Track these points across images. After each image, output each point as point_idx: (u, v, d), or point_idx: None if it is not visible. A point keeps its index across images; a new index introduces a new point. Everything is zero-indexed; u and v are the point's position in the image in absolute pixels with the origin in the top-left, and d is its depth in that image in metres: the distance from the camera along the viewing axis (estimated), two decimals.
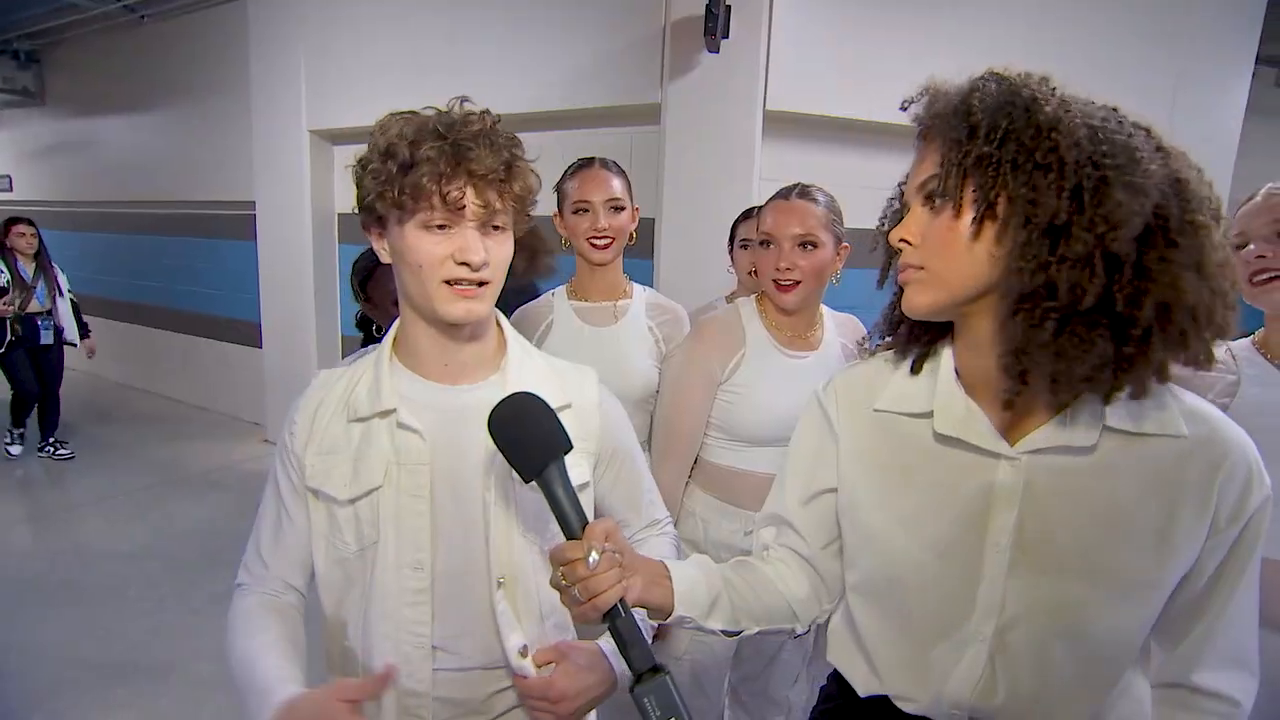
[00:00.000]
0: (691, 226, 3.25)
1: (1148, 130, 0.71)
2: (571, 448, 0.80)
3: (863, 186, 3.58)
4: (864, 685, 0.86)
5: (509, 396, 0.81)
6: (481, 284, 0.88)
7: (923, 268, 0.74)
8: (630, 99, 3.39)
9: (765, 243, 1.46)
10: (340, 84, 4.34)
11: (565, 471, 0.79)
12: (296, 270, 4.71)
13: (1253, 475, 0.72)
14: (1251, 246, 1.25)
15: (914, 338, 0.84)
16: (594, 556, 0.74)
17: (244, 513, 3.77)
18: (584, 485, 0.98)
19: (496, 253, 0.89)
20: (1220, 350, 1.08)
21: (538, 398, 0.82)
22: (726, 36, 2.95)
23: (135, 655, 2.60)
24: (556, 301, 1.67)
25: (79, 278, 5.03)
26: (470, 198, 0.85)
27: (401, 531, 0.91)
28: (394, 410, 0.92)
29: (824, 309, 1.57)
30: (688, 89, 3.20)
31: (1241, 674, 0.78)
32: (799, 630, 0.93)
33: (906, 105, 0.77)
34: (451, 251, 0.86)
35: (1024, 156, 0.66)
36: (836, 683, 0.93)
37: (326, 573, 0.96)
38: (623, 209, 1.61)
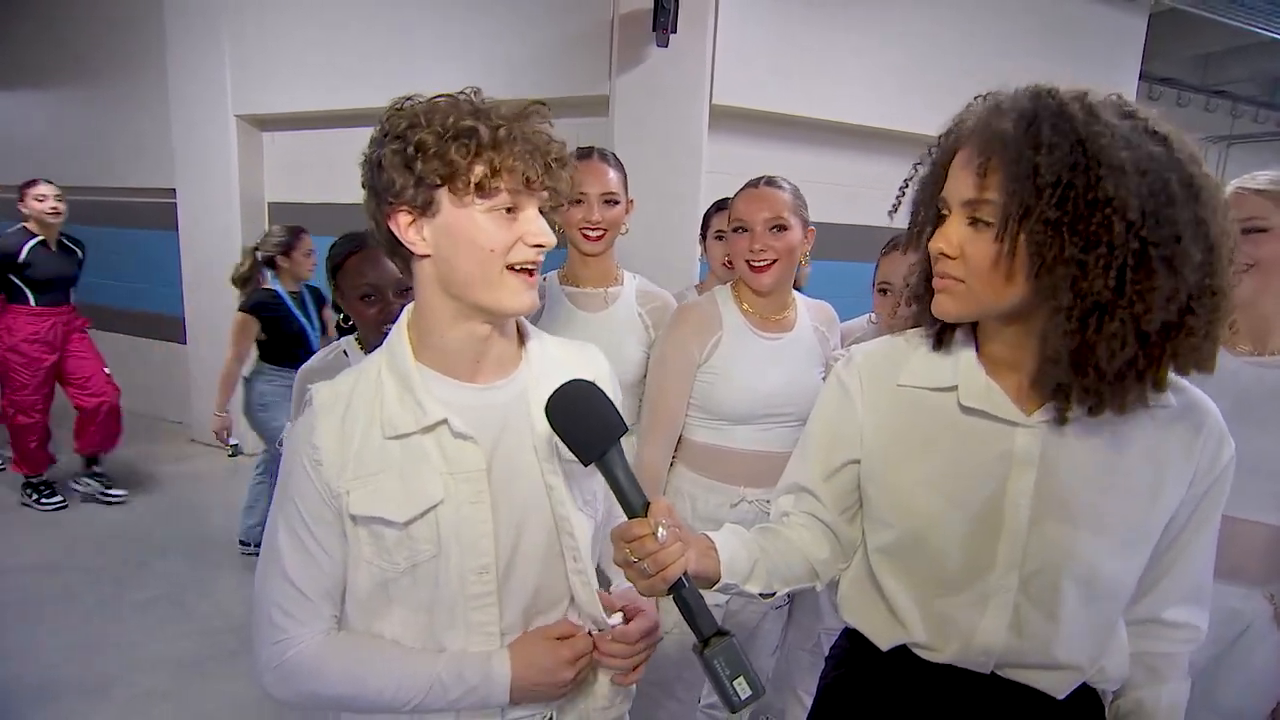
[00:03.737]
0: (639, 218, 3.23)
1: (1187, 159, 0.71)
2: (627, 430, 0.80)
3: (804, 180, 3.68)
4: (888, 638, 0.89)
5: (565, 384, 0.80)
6: (533, 273, 0.85)
7: (963, 281, 0.78)
8: (578, 90, 3.35)
9: (738, 229, 1.52)
10: (269, 68, 4.09)
11: (623, 453, 0.80)
12: (224, 262, 4.35)
13: (1224, 437, 0.82)
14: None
15: (939, 322, 0.88)
16: (662, 532, 0.77)
17: (170, 517, 3.58)
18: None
19: (552, 237, 0.85)
20: None
21: (592, 384, 0.81)
22: (675, 31, 2.95)
23: (62, 673, 2.37)
24: (549, 286, 1.67)
25: None
26: (545, 181, 0.82)
27: (463, 541, 0.86)
28: (444, 421, 0.86)
29: (796, 295, 1.63)
30: (635, 82, 3.19)
31: (1201, 607, 0.88)
32: (820, 586, 0.98)
33: (978, 98, 0.78)
34: (520, 235, 0.82)
35: (1082, 224, 0.68)
36: (850, 640, 0.96)
37: (366, 596, 0.88)
38: (617, 202, 1.62)
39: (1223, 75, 5.98)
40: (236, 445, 4.57)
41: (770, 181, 1.54)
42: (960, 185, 0.77)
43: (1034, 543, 0.80)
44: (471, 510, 0.86)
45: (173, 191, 4.54)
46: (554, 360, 0.96)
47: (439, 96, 0.83)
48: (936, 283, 0.81)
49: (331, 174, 4.23)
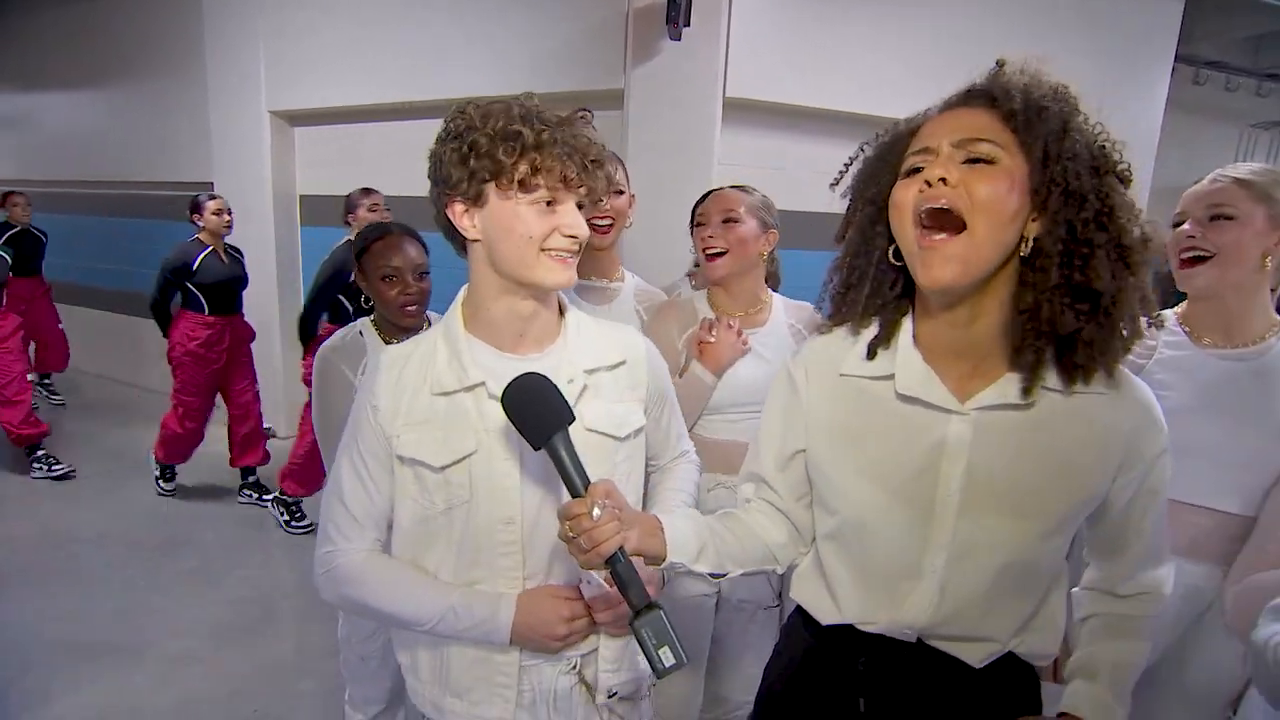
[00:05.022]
0: (654, 209, 3.27)
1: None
2: (574, 420, 0.88)
3: (817, 172, 3.68)
4: (827, 616, 0.95)
5: (519, 377, 0.89)
6: (574, 254, 0.97)
7: (961, 232, 0.77)
8: (594, 84, 3.41)
9: (699, 224, 1.65)
10: (301, 65, 4.25)
11: (569, 440, 0.87)
12: (258, 254, 4.59)
13: (1156, 426, 0.85)
14: (1186, 226, 1.31)
15: (884, 309, 0.92)
16: (596, 511, 0.83)
17: (205, 495, 3.78)
18: (640, 429, 1.09)
19: (586, 229, 0.97)
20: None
21: (545, 378, 0.89)
22: (688, 25, 2.99)
23: (104, 635, 2.57)
24: None
25: None
26: (581, 179, 0.94)
27: (493, 492, 0.99)
28: (482, 383, 0.98)
29: (774, 295, 1.69)
30: (650, 76, 3.24)
31: (1161, 567, 0.93)
32: (779, 570, 1.03)
33: (999, 65, 0.83)
34: (556, 225, 0.94)
35: (1097, 191, 0.76)
36: (799, 615, 1.02)
37: (410, 528, 1.03)
38: (621, 191, 1.69)
39: (1276, 58, 5.74)
40: (270, 429, 4.80)
41: (736, 186, 1.67)
42: (954, 127, 0.80)
43: (962, 527, 0.84)
44: (502, 464, 0.99)
45: (210, 185, 4.72)
46: (590, 339, 1.06)
47: (496, 102, 0.95)
48: (926, 247, 0.79)
49: (360, 167, 4.38)
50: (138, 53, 5.23)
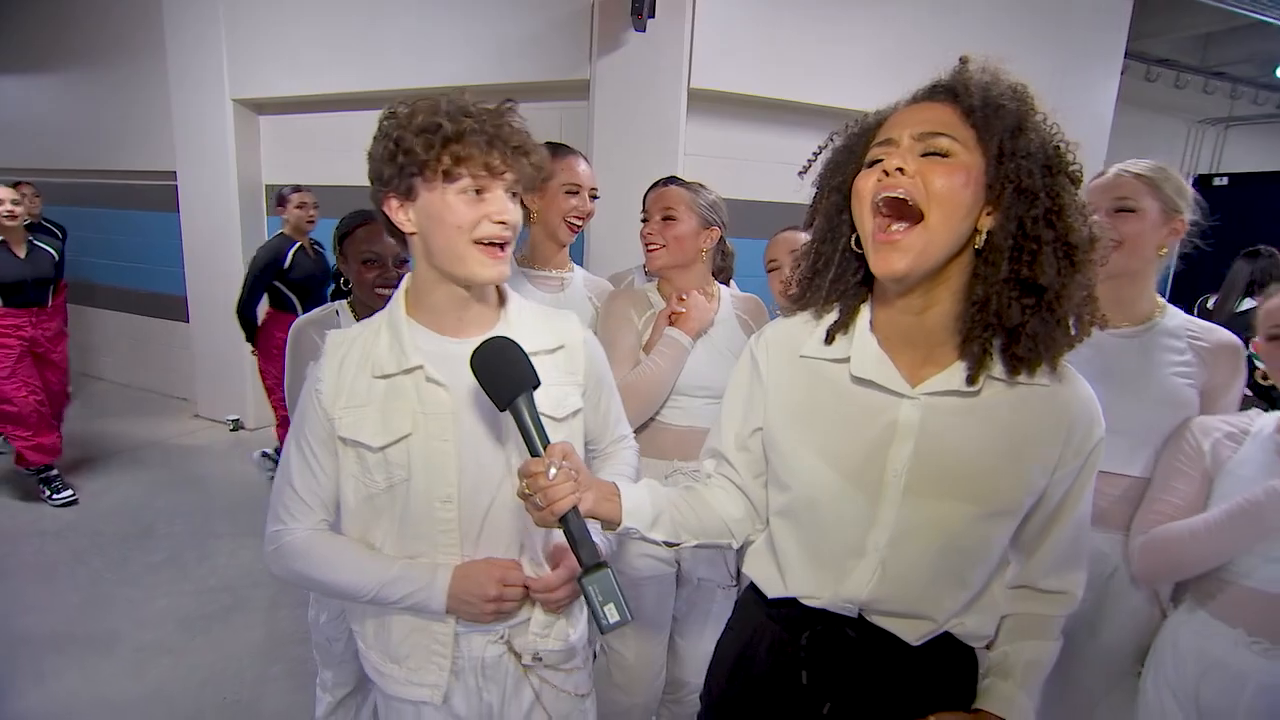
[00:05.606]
0: (619, 199, 3.31)
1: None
2: (539, 384, 0.92)
3: (778, 162, 3.77)
4: (775, 590, 0.97)
5: (488, 340, 0.92)
6: (504, 246, 0.99)
7: (920, 218, 0.79)
8: (560, 75, 3.43)
9: (644, 219, 1.71)
10: (265, 53, 4.19)
11: (533, 402, 0.91)
12: (224, 242, 4.55)
13: (1094, 421, 0.87)
14: (1094, 216, 1.42)
15: (845, 296, 0.94)
16: (553, 470, 0.86)
17: (176, 488, 3.74)
18: (577, 410, 1.11)
19: (516, 216, 0.99)
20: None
21: (512, 342, 0.93)
22: (652, 16, 3.02)
23: (71, 627, 2.55)
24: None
25: None
26: (505, 166, 0.96)
27: (430, 471, 1.02)
28: (420, 366, 1.01)
29: (721, 287, 1.74)
30: (615, 66, 3.26)
31: (1077, 571, 0.96)
32: (734, 545, 1.05)
33: (962, 62, 0.85)
34: (486, 213, 0.96)
35: (1048, 189, 0.79)
36: (751, 590, 1.05)
37: (356, 506, 1.06)
38: (596, 196, 1.76)
39: (1222, 56, 5.90)
40: (237, 420, 4.76)
41: (672, 180, 1.72)
42: (916, 120, 0.82)
43: (906, 507, 0.86)
44: (439, 445, 1.01)
45: (173, 174, 4.66)
46: (531, 322, 1.09)
47: (424, 99, 0.97)
48: (880, 239, 0.82)
49: (326, 156, 4.34)
50: (96, 39, 5.09)
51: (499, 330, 1.05)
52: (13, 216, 3.35)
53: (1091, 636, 1.44)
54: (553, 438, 1.04)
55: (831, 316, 0.94)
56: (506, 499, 1.05)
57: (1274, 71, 5.72)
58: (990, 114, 0.79)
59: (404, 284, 1.08)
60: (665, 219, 1.64)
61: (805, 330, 0.96)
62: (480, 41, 3.59)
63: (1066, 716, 1.53)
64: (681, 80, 3.27)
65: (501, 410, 0.92)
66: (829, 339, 0.93)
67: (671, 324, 1.59)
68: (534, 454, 0.90)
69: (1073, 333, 0.84)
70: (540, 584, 1.06)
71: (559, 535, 1.09)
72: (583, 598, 0.90)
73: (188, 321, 4.89)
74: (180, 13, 4.37)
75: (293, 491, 1.06)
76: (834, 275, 0.93)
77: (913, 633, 0.90)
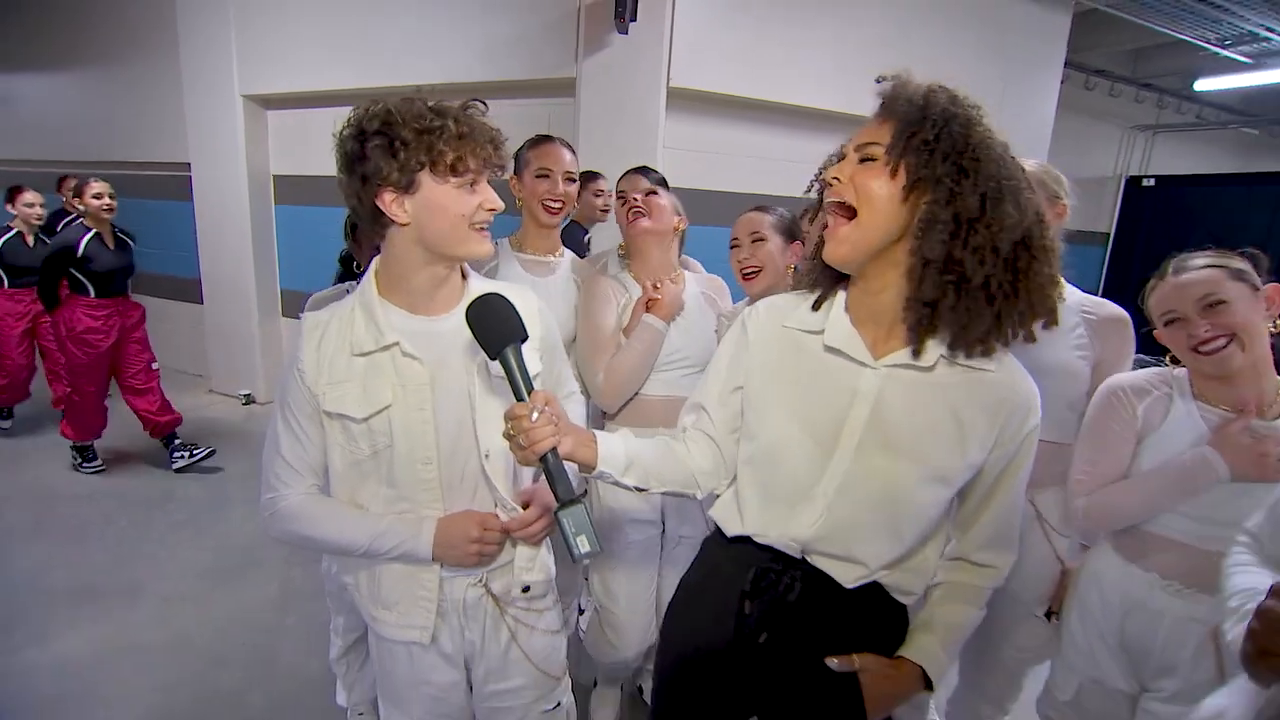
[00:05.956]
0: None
1: (1023, 169, 0.87)
2: (528, 337, 0.96)
3: (750, 156, 3.79)
4: (732, 528, 1.02)
5: (484, 295, 0.95)
6: (486, 229, 1.03)
7: (855, 215, 0.86)
8: (548, 73, 3.41)
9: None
10: (272, 52, 4.11)
11: (520, 353, 0.94)
12: (235, 230, 4.49)
13: (1029, 409, 0.91)
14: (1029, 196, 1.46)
15: (823, 282, 0.99)
16: (535, 414, 0.90)
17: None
18: (537, 374, 1.12)
19: (501, 203, 1.03)
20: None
21: (506, 299, 0.96)
22: (634, 19, 3.01)
23: (101, 580, 2.55)
24: (500, 249, 1.75)
25: None
26: (495, 159, 1.00)
27: (411, 437, 1.04)
28: (397, 343, 1.02)
29: (685, 271, 1.73)
30: (599, 66, 3.25)
31: (1006, 551, 1.00)
32: (699, 496, 1.07)
33: (881, 79, 0.89)
34: (480, 202, 1.00)
35: (954, 155, 0.81)
36: (715, 532, 1.09)
37: (344, 471, 1.08)
38: (574, 179, 1.73)
39: (1150, 69, 6.00)
40: (249, 394, 4.73)
41: (642, 170, 1.80)
42: (858, 138, 0.89)
43: (857, 463, 0.90)
44: (417, 414, 1.03)
45: (188, 166, 4.58)
46: None
47: (392, 100, 0.97)
48: (828, 234, 0.89)
49: (328, 148, 4.29)
50: (113, 37, 4.98)
51: (462, 305, 1.06)
52: (110, 210, 3.24)
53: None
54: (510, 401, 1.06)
55: (816, 295, 0.99)
56: (479, 456, 1.07)
57: (1191, 85, 5.83)
58: (901, 118, 0.84)
59: (373, 269, 1.07)
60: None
61: (791, 305, 1.01)
62: (474, 41, 3.55)
63: (979, 651, 1.60)
64: (661, 79, 3.27)
65: (492, 359, 0.94)
66: (815, 306, 0.98)
67: (648, 310, 1.59)
68: (519, 399, 0.92)
69: (1003, 318, 0.86)
70: (518, 522, 1.09)
71: (529, 483, 1.14)
72: (558, 531, 0.92)
73: (201, 303, 4.83)
74: (193, 15, 4.27)
75: (283, 461, 1.06)
76: (821, 265, 0.98)
77: (847, 575, 0.94)
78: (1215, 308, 1.13)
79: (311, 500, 1.08)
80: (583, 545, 0.90)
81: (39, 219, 3.74)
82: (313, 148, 4.31)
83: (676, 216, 1.68)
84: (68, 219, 4.25)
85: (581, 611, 2.35)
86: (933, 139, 0.82)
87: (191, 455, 3.53)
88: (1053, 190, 1.42)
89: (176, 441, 3.56)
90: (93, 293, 3.28)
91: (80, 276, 3.25)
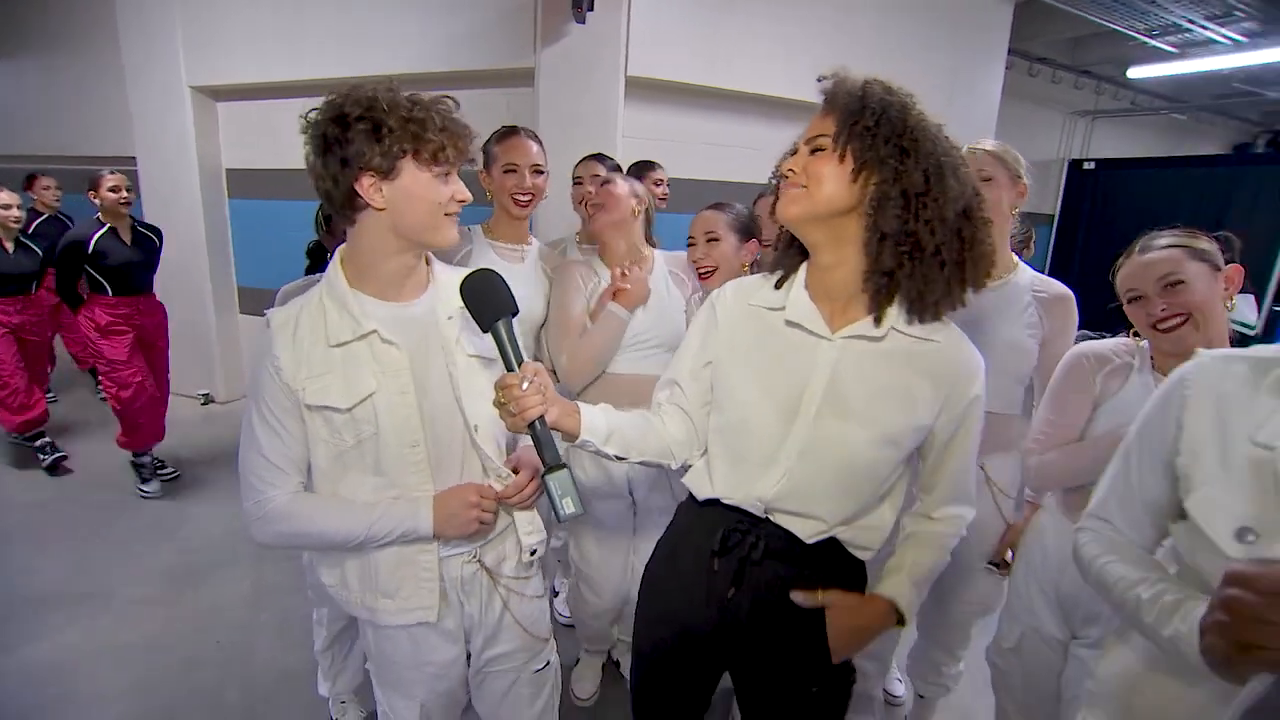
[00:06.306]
0: (564, 178, 3.35)
1: (958, 149, 0.95)
2: (518, 311, 0.99)
3: (708, 144, 3.85)
4: (703, 491, 1.08)
5: (479, 271, 0.99)
6: (454, 217, 1.06)
7: (805, 186, 0.94)
8: (507, 63, 3.40)
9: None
10: (221, 41, 3.99)
11: (511, 326, 0.98)
12: (187, 226, 4.35)
13: (973, 377, 0.98)
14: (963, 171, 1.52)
15: (785, 263, 1.06)
16: (525, 384, 0.94)
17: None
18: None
19: (469, 194, 1.07)
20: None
21: (498, 275, 0.99)
22: (591, 9, 3.03)
23: (65, 586, 2.49)
24: (474, 236, 1.79)
25: None
26: (469, 152, 1.04)
27: (396, 421, 1.05)
28: (374, 331, 1.04)
29: (655, 251, 1.79)
30: (558, 55, 3.25)
31: (966, 505, 1.08)
32: (674, 465, 1.11)
33: (822, 79, 0.96)
34: (452, 193, 1.03)
35: (895, 138, 0.88)
36: (688, 498, 1.15)
37: (327, 467, 1.07)
38: (542, 171, 1.75)
39: (1087, 57, 6.25)
40: (208, 394, 4.62)
41: (603, 157, 1.85)
42: (807, 134, 0.96)
43: (815, 429, 0.97)
44: (399, 398, 1.05)
45: (133, 160, 4.41)
46: (453, 284, 1.12)
47: (372, 87, 0.98)
48: (781, 193, 0.96)
49: (284, 141, 4.19)
50: (52, 27, 4.77)
51: (431, 291, 1.11)
52: (127, 203, 3.06)
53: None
54: (485, 377, 1.11)
55: (778, 275, 1.06)
56: (463, 434, 1.11)
57: (1125, 73, 6.10)
58: (842, 109, 0.91)
59: (338, 258, 1.08)
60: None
61: (756, 285, 1.08)
62: (433, 30, 3.51)
63: (933, 606, 1.72)
64: (619, 69, 3.29)
65: (484, 331, 0.97)
66: (778, 286, 1.05)
67: (615, 299, 1.63)
68: (509, 370, 0.96)
69: (952, 284, 0.93)
70: (512, 488, 1.13)
71: (516, 455, 1.18)
72: (544, 494, 0.98)
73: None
74: (133, 4, 4.10)
75: (265, 460, 1.04)
76: (782, 247, 1.06)
77: (807, 530, 1.01)
78: (1174, 287, 1.17)
79: (300, 498, 1.07)
80: (568, 506, 0.96)
81: (17, 221, 3.37)
82: (269, 140, 4.21)
83: (634, 199, 1.72)
84: (41, 218, 4.13)
85: (556, 594, 2.41)
86: (873, 124, 0.89)
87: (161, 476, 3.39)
88: (1014, 170, 1.50)
89: (146, 459, 3.40)
90: (110, 291, 3.10)
91: (95, 274, 3.05)
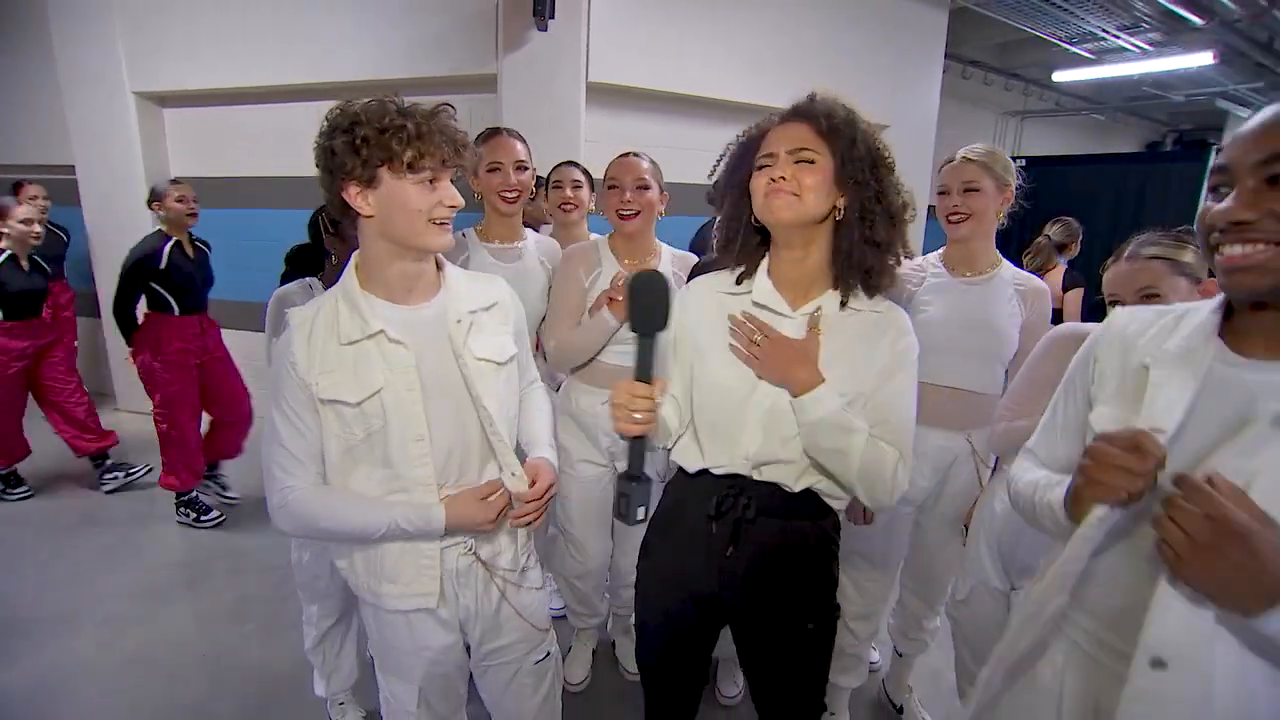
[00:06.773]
0: None
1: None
2: (666, 326, 1.00)
3: (670, 147, 3.96)
4: (693, 464, 1.17)
5: (654, 273, 0.99)
6: (451, 220, 1.10)
7: (798, 196, 1.04)
8: (468, 69, 3.43)
9: (612, 187, 1.77)
10: (168, 46, 3.88)
11: (657, 340, 1.00)
12: (134, 236, 4.12)
13: (903, 333, 1.12)
14: (951, 196, 1.63)
15: (749, 255, 1.17)
16: (660, 399, 1.02)
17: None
18: (514, 356, 1.23)
19: (461, 199, 1.10)
20: (919, 258, 1.59)
21: (667, 284, 0.99)
22: (553, 17, 3.10)
23: (29, 611, 2.41)
24: (470, 240, 1.84)
25: None
26: (455, 159, 1.07)
27: (403, 416, 1.11)
28: (382, 330, 1.09)
29: (663, 246, 1.88)
30: (520, 62, 3.31)
31: (899, 448, 1.11)
32: (668, 445, 1.20)
33: (811, 97, 1.08)
34: (439, 199, 1.07)
35: (870, 164, 1.05)
36: (678, 472, 1.24)
37: (339, 460, 1.13)
38: (526, 168, 1.80)
39: (1015, 61, 6.64)
40: None
41: (636, 154, 1.81)
42: (788, 139, 1.06)
43: (779, 393, 1.08)
44: (406, 394, 1.11)
45: (71, 169, 4.24)
46: (465, 288, 1.20)
47: (372, 99, 1.05)
48: (772, 199, 1.05)
49: (234, 148, 4.10)
50: None
51: (441, 295, 1.16)
52: (193, 215, 2.88)
53: (935, 505, 1.77)
54: (496, 380, 1.18)
55: (740, 270, 1.17)
56: (467, 431, 1.17)
57: (1050, 76, 6.51)
58: (835, 133, 1.05)
59: (353, 262, 1.14)
60: (640, 188, 1.74)
61: (723, 277, 1.20)
62: (390, 38, 3.51)
63: (916, 565, 1.88)
64: (580, 75, 3.36)
65: (634, 331, 0.98)
66: (738, 282, 1.17)
67: (609, 306, 1.68)
68: (641, 379, 0.99)
69: (889, 267, 1.11)
70: (534, 493, 1.19)
71: (532, 464, 1.23)
72: (620, 495, 1.05)
73: (99, 317, 4.49)
74: (65, 8, 3.94)
75: (286, 451, 1.11)
76: (741, 242, 1.17)
77: (791, 476, 1.11)
78: (1151, 299, 1.23)
79: (323, 491, 1.13)
80: (637, 514, 1.03)
81: (37, 238, 3.11)
82: (224, 148, 4.11)
83: (661, 197, 1.81)
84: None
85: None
86: (862, 154, 1.05)
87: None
88: (1001, 177, 1.62)
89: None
90: (177, 309, 2.93)
91: (162, 291, 2.87)
